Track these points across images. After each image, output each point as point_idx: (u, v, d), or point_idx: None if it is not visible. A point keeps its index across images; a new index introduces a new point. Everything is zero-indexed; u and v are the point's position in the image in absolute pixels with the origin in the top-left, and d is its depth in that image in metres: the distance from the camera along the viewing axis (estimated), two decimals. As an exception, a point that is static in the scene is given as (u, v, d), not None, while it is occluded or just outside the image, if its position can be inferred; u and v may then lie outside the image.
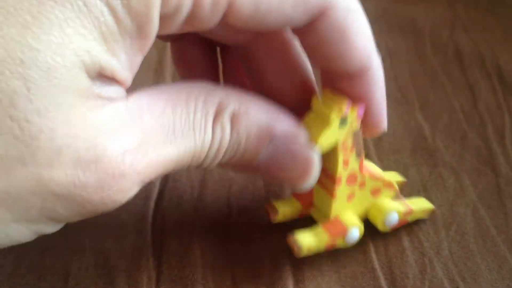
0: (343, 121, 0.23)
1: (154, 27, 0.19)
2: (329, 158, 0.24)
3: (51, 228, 0.19)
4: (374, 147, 0.33)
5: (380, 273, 0.25)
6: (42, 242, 0.26)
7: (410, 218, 0.28)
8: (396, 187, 0.27)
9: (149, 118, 0.20)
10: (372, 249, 0.27)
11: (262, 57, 0.25)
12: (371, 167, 0.27)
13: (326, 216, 0.26)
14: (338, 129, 0.23)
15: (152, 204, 0.29)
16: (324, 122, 0.23)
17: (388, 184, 0.27)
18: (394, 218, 0.27)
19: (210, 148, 0.21)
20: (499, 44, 0.42)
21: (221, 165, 0.23)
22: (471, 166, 0.32)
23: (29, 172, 0.17)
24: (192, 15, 0.19)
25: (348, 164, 0.25)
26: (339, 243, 0.26)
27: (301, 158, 0.23)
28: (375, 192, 0.27)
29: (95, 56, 0.18)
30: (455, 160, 0.32)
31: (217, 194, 0.30)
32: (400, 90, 0.37)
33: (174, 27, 0.20)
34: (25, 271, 0.26)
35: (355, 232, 0.26)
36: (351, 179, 0.25)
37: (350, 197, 0.26)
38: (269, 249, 0.26)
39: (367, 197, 0.26)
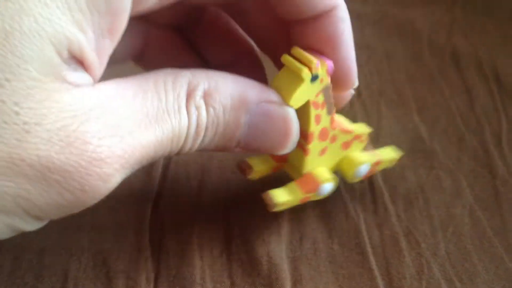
0: (314, 77, 0.23)
1: (125, 1, 0.18)
2: (300, 115, 0.24)
3: (29, 225, 0.18)
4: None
5: (377, 273, 0.26)
6: (40, 243, 0.27)
7: (379, 168, 0.29)
8: (367, 138, 0.28)
9: (119, 105, 0.19)
10: (369, 250, 0.27)
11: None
12: (341, 120, 0.28)
13: (299, 171, 0.27)
14: (310, 85, 0.23)
15: (150, 204, 0.29)
16: (296, 80, 0.23)
17: (358, 137, 0.27)
18: (364, 169, 0.28)
19: (188, 129, 0.21)
20: (497, 47, 0.42)
21: (205, 148, 0.22)
22: (468, 168, 0.32)
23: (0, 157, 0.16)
24: None
25: (319, 121, 0.25)
26: (312, 197, 0.27)
27: (279, 119, 0.23)
28: (346, 145, 0.27)
29: (57, 25, 0.17)
30: (452, 162, 0.32)
31: (215, 194, 0.30)
32: (398, 92, 0.37)
33: (149, 3, 0.19)
34: (24, 272, 0.26)
35: (328, 186, 0.26)
36: (323, 135, 0.26)
37: (322, 152, 0.26)
38: (267, 250, 0.27)
39: (338, 150, 0.27)
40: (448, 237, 0.28)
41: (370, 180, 0.31)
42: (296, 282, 0.25)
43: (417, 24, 0.45)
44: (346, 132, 0.27)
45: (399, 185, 0.30)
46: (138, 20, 0.25)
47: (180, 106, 0.20)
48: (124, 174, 0.20)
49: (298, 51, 0.23)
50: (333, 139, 0.26)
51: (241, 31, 0.27)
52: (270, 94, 0.23)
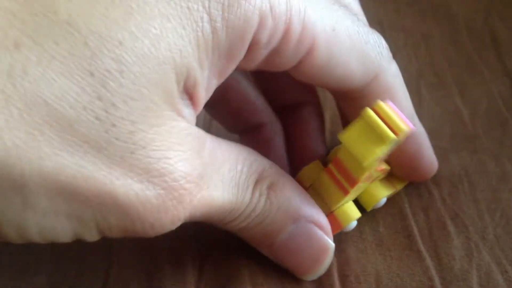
0: (397, 141, 0.21)
1: (243, 48, 0.19)
2: (353, 160, 0.23)
3: (90, 237, 0.18)
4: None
5: (426, 255, 0.25)
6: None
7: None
8: (387, 166, 0.26)
9: (208, 157, 0.20)
10: (416, 233, 0.26)
11: None
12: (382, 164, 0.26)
13: (329, 206, 0.25)
14: (389, 148, 0.22)
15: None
16: (378, 139, 0.21)
17: (384, 170, 0.26)
18: (382, 202, 0.27)
19: (246, 208, 0.22)
20: (535, 31, 0.41)
21: (243, 231, 0.23)
22: (512, 152, 0.31)
23: (101, 163, 0.17)
24: (277, 49, 0.20)
25: (371, 169, 0.23)
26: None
27: (319, 245, 0.24)
28: (369, 177, 0.25)
29: (185, 58, 0.18)
30: (495, 146, 0.31)
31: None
32: (437, 75, 0.37)
33: (257, 60, 0.20)
34: (68, 247, 0.25)
35: (353, 225, 0.25)
36: (366, 178, 0.24)
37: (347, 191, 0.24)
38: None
39: (363, 184, 0.25)
40: (496, 221, 0.27)
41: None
42: (343, 263, 0.25)
43: (453, 7, 0.44)
44: (381, 171, 0.25)
45: (442, 168, 0.30)
46: None
47: (248, 185, 0.22)
48: (184, 221, 0.20)
49: (381, 107, 0.22)
50: (368, 178, 0.24)
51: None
52: (322, 219, 0.24)
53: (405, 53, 0.39)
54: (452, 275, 0.24)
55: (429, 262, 0.25)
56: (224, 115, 0.28)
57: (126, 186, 0.17)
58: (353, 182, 0.24)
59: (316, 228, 0.23)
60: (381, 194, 0.26)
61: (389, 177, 0.27)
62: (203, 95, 0.19)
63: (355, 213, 0.25)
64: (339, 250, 0.25)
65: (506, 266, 0.25)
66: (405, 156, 0.26)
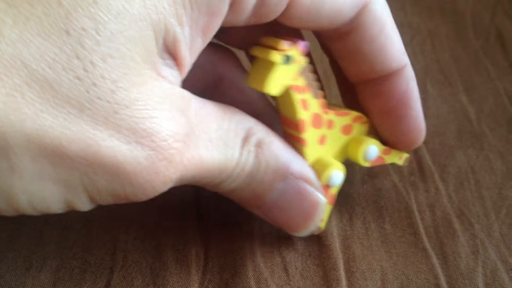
0: (286, 59, 0.21)
1: (224, 1, 0.19)
2: (285, 103, 0.23)
3: (82, 204, 0.18)
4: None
5: (432, 253, 0.25)
6: (88, 214, 0.26)
7: (387, 159, 0.26)
8: (368, 120, 0.26)
9: (194, 116, 0.20)
10: (422, 230, 0.26)
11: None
12: (340, 107, 0.26)
13: None
14: (284, 68, 0.22)
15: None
16: (268, 66, 0.22)
17: (358, 118, 0.25)
18: (374, 151, 0.25)
19: (235, 167, 0.21)
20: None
21: (234, 192, 0.23)
22: (519, 150, 0.31)
23: (84, 123, 0.16)
24: (261, 1, 0.20)
25: (307, 106, 0.23)
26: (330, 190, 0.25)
27: (309, 201, 0.23)
28: (347, 129, 0.25)
29: (161, 13, 0.17)
30: (501, 144, 0.31)
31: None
32: (443, 72, 0.37)
33: (244, 13, 0.20)
34: (72, 243, 0.25)
35: (337, 174, 0.24)
36: (316, 121, 0.24)
37: (322, 140, 0.24)
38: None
39: (339, 136, 0.25)
40: (501, 218, 0.27)
41: (418, 160, 0.30)
42: (349, 260, 0.25)
43: (460, 4, 0.44)
44: (342, 114, 0.25)
45: (448, 165, 0.30)
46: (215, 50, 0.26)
47: (236, 143, 0.21)
48: (175, 183, 0.20)
49: (265, 38, 0.22)
50: (330, 124, 0.24)
51: None
52: (311, 175, 0.23)
53: (411, 50, 0.39)
54: (458, 273, 0.24)
55: (434, 260, 0.25)
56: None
57: (114, 148, 0.17)
58: (296, 126, 0.24)
59: (306, 184, 0.23)
60: (368, 140, 0.25)
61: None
62: (187, 54, 0.19)
63: (331, 163, 0.24)
64: (345, 246, 0.25)
65: (512, 264, 0.25)
66: (392, 98, 0.24)
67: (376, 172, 0.29)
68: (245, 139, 0.22)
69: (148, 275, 0.24)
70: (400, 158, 0.27)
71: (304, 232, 0.24)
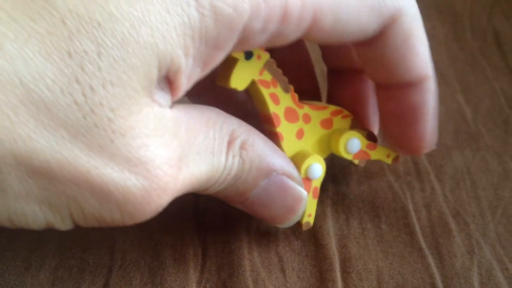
0: (247, 55, 0.22)
1: (233, 38, 0.18)
2: (256, 99, 0.24)
3: (63, 225, 0.18)
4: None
5: (427, 252, 0.25)
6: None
7: (373, 154, 0.27)
8: (350, 114, 0.26)
9: (184, 134, 0.19)
10: (418, 230, 0.26)
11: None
12: (318, 103, 0.26)
13: None
14: (246, 64, 0.22)
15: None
16: (231, 63, 0.22)
17: (337, 112, 0.25)
18: (355, 144, 0.25)
19: (222, 173, 0.21)
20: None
21: (218, 193, 0.23)
22: (515, 150, 0.31)
23: (78, 150, 0.16)
24: (276, 32, 0.19)
25: (278, 100, 0.23)
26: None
27: (291, 196, 0.24)
28: (326, 123, 0.25)
29: (169, 44, 0.17)
30: (498, 144, 0.32)
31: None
32: (440, 73, 0.37)
33: (254, 45, 0.20)
34: (71, 243, 0.26)
35: (315, 167, 0.25)
36: (291, 115, 0.24)
37: (299, 134, 0.25)
38: (313, 229, 0.26)
39: (318, 130, 0.25)
40: (497, 218, 0.27)
41: (414, 160, 0.30)
42: (345, 260, 0.25)
43: (457, 5, 0.44)
44: (318, 108, 0.25)
45: (445, 165, 0.30)
46: None
47: (222, 150, 0.21)
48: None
49: None
50: (306, 118, 0.25)
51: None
52: (292, 170, 0.24)
53: (408, 51, 0.39)
54: (453, 273, 0.24)
55: (430, 259, 0.25)
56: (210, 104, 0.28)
57: (106, 176, 0.17)
58: (270, 121, 0.24)
59: (288, 179, 0.23)
60: (349, 132, 0.25)
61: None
62: (184, 83, 0.19)
63: (308, 156, 0.24)
64: (341, 246, 0.26)
65: (507, 264, 0.25)
66: (405, 107, 0.24)
67: (372, 172, 0.29)
68: (229, 143, 0.21)
69: (147, 274, 0.24)
70: (387, 157, 0.27)
71: (288, 224, 0.25)
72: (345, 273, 0.24)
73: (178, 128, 0.19)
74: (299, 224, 0.25)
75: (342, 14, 0.20)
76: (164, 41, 0.17)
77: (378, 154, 0.27)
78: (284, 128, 0.24)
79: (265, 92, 0.23)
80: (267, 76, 0.23)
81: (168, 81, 0.18)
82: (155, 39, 0.17)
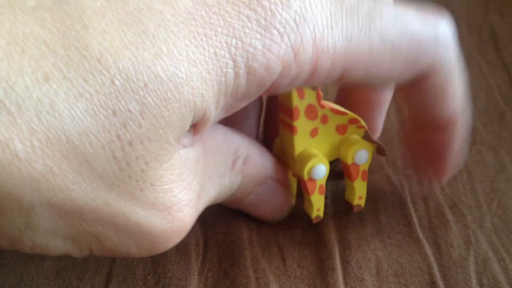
0: None
1: (260, 92, 0.19)
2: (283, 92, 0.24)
3: (80, 254, 0.19)
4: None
5: (425, 242, 0.26)
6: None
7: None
8: (365, 125, 0.26)
9: (201, 169, 0.20)
10: (416, 221, 0.27)
11: None
12: (339, 107, 0.26)
13: (292, 155, 0.25)
14: None
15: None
16: None
17: (354, 121, 0.26)
18: (363, 156, 0.26)
19: (226, 190, 0.23)
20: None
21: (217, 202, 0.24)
22: (510, 144, 0.32)
23: (111, 198, 0.17)
24: (305, 83, 0.20)
25: (303, 95, 0.24)
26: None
27: (282, 199, 0.26)
28: (341, 129, 0.26)
29: (205, 101, 0.18)
30: (493, 138, 0.32)
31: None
32: (437, 69, 0.37)
33: (279, 91, 0.20)
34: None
35: (320, 168, 0.25)
36: (311, 112, 0.25)
37: (313, 133, 0.25)
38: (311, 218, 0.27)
39: (333, 133, 0.26)
40: (493, 210, 0.28)
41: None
42: (344, 249, 0.25)
43: (453, 3, 0.44)
44: (338, 113, 0.25)
45: (442, 159, 0.30)
46: None
47: (227, 170, 0.23)
48: None
49: None
50: (324, 119, 0.25)
51: None
52: (283, 175, 0.26)
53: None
54: (450, 262, 0.25)
55: (428, 249, 0.25)
56: None
57: (132, 220, 0.18)
58: (290, 113, 0.24)
59: (279, 185, 0.25)
60: (361, 142, 0.26)
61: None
62: (208, 127, 0.20)
63: (314, 156, 0.25)
64: (341, 236, 0.26)
65: (503, 254, 0.25)
66: (433, 141, 0.25)
67: (371, 166, 0.30)
68: (234, 162, 0.23)
69: (149, 264, 0.25)
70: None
71: (275, 220, 0.27)
72: (344, 261, 0.25)
73: (196, 165, 0.20)
74: (310, 218, 0.26)
75: (372, 69, 0.21)
76: (202, 99, 0.18)
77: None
78: (301, 123, 0.25)
79: None
80: None
81: (194, 125, 0.19)
82: (194, 97, 0.17)
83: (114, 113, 0.16)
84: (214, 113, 0.19)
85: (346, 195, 0.27)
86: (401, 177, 0.29)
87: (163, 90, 0.17)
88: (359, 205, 0.27)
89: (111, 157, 0.16)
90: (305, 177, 0.25)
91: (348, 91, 0.29)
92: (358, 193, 0.26)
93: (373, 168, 0.30)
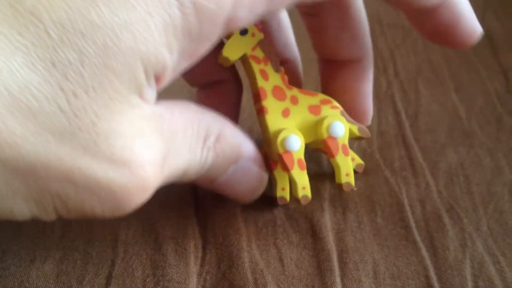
0: (242, 31, 0.25)
1: (216, 31, 0.19)
2: (249, 75, 0.26)
3: (47, 218, 0.19)
4: (410, 127, 0.33)
5: (421, 245, 0.26)
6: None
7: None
8: (339, 106, 0.27)
9: (167, 132, 0.20)
10: (413, 224, 0.27)
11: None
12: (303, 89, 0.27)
13: (268, 137, 0.26)
14: (240, 38, 0.25)
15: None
16: (229, 37, 0.25)
17: (327, 101, 0.27)
18: (339, 129, 0.26)
19: (196, 166, 0.22)
20: (530, 31, 0.42)
21: (187, 180, 0.23)
22: (507, 147, 0.32)
23: (63, 152, 0.17)
24: (265, 11, 0.20)
25: (267, 77, 0.26)
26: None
27: (255, 178, 0.26)
28: (314, 110, 0.26)
29: (152, 45, 0.18)
30: (491, 141, 0.32)
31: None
32: (435, 72, 0.38)
33: (239, 28, 0.21)
34: (74, 236, 0.26)
35: (292, 138, 0.25)
36: (278, 93, 0.26)
37: (285, 113, 0.26)
38: (311, 223, 0.27)
39: (306, 114, 0.26)
40: (489, 213, 0.28)
41: (409, 156, 0.31)
42: (342, 252, 0.26)
43: (451, 6, 0.45)
44: (307, 93, 0.26)
45: (439, 161, 0.31)
46: None
47: (198, 146, 0.22)
48: None
49: None
50: (294, 100, 0.26)
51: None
52: (257, 154, 0.25)
53: (404, 50, 0.40)
54: (446, 265, 0.25)
55: (424, 252, 0.26)
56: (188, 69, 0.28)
57: (89, 175, 0.17)
58: (258, 95, 0.26)
59: (253, 164, 0.25)
60: (332, 117, 0.26)
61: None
62: (170, 75, 0.19)
63: (285, 128, 0.26)
64: (338, 239, 0.26)
65: (499, 257, 0.25)
66: (438, 26, 0.24)
67: (368, 168, 0.30)
68: (205, 139, 0.22)
69: (148, 267, 0.25)
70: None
71: (248, 201, 0.27)
72: (342, 263, 0.25)
73: (162, 125, 0.20)
74: (298, 199, 0.27)
75: None
76: (146, 43, 0.17)
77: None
78: (270, 103, 0.26)
79: (256, 67, 0.25)
80: (259, 53, 0.25)
81: (155, 78, 0.19)
82: (137, 42, 0.17)
83: (54, 65, 0.16)
84: (169, 59, 0.18)
85: (336, 177, 0.27)
86: (399, 179, 0.30)
87: (101, 38, 0.17)
88: (348, 183, 0.27)
89: (57, 109, 0.16)
90: (280, 150, 0.25)
91: (329, 79, 0.29)
92: (344, 169, 0.27)
93: (371, 170, 0.30)
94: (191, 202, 0.28)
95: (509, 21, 0.43)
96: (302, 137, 0.26)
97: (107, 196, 0.18)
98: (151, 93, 0.19)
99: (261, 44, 0.25)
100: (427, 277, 0.25)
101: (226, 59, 0.25)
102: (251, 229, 0.27)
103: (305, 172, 0.26)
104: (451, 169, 0.30)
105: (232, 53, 0.25)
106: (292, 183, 0.26)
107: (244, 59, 0.25)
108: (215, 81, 0.28)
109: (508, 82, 0.37)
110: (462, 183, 0.29)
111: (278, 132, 0.26)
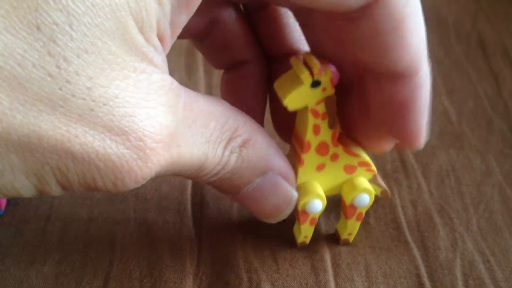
0: (315, 83, 0.22)
1: None
2: (299, 121, 0.24)
3: (54, 192, 0.18)
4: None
5: (413, 245, 0.27)
6: (87, 212, 0.28)
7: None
8: (375, 170, 0.26)
9: (182, 112, 0.19)
10: (404, 225, 0.28)
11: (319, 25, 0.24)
12: (354, 148, 0.25)
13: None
14: (309, 90, 0.22)
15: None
16: (296, 81, 0.22)
17: (364, 163, 0.25)
18: (364, 200, 0.25)
19: (216, 165, 0.21)
20: (521, 35, 0.43)
21: (211, 183, 0.23)
22: (497, 149, 0.33)
23: (57, 121, 0.16)
24: None
25: (319, 132, 0.24)
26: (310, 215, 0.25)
27: (283, 196, 0.24)
28: (349, 169, 0.25)
29: (141, 0, 0.16)
30: (481, 143, 0.33)
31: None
32: (426, 76, 0.38)
33: None
34: (73, 238, 0.27)
35: (316, 203, 0.25)
36: (322, 148, 0.24)
37: (320, 167, 0.25)
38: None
39: (339, 172, 0.25)
40: (479, 213, 0.28)
41: (401, 158, 0.31)
42: (335, 255, 0.26)
43: (442, 11, 0.45)
44: (350, 154, 0.25)
45: (430, 163, 0.31)
46: None
47: (220, 144, 0.21)
48: (150, 178, 0.19)
49: (308, 55, 0.23)
50: (334, 157, 0.25)
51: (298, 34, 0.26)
52: (288, 171, 0.24)
53: (396, 55, 0.40)
54: (437, 264, 0.26)
55: (416, 252, 0.26)
56: (211, 49, 0.26)
57: (86, 144, 0.16)
58: (302, 144, 0.24)
59: (282, 179, 0.23)
60: (362, 187, 0.25)
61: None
62: (169, 31, 0.18)
63: (312, 191, 0.24)
64: (331, 241, 0.27)
65: (488, 256, 0.26)
66: (394, 100, 0.22)
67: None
68: (230, 140, 0.21)
69: (146, 268, 0.26)
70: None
71: (273, 221, 0.25)
72: (335, 264, 0.26)
73: (176, 101, 0.19)
74: (295, 242, 0.27)
75: None
76: None
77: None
78: (309, 157, 0.24)
79: (311, 121, 0.23)
80: (321, 108, 0.23)
81: (159, 37, 0.18)
82: None
83: (38, 28, 0.15)
84: (161, 11, 0.17)
85: (338, 226, 0.27)
86: (391, 180, 0.30)
87: None
88: (346, 240, 0.27)
89: (46, 76, 0.15)
90: (299, 209, 0.25)
91: (365, 90, 0.24)
92: (349, 230, 0.26)
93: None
94: (187, 204, 0.29)
95: (500, 25, 0.44)
96: (325, 201, 0.25)
97: (106, 168, 0.17)
98: (157, 56, 0.18)
99: (327, 99, 0.23)
100: (418, 276, 0.25)
101: (286, 106, 0.23)
102: (246, 230, 0.27)
103: (313, 227, 0.26)
104: (442, 170, 0.31)
105: (294, 103, 0.23)
106: (297, 229, 0.26)
107: (303, 107, 0.23)
108: (239, 61, 0.26)
109: (499, 85, 0.38)
110: (453, 184, 0.30)
111: (305, 188, 0.25)
